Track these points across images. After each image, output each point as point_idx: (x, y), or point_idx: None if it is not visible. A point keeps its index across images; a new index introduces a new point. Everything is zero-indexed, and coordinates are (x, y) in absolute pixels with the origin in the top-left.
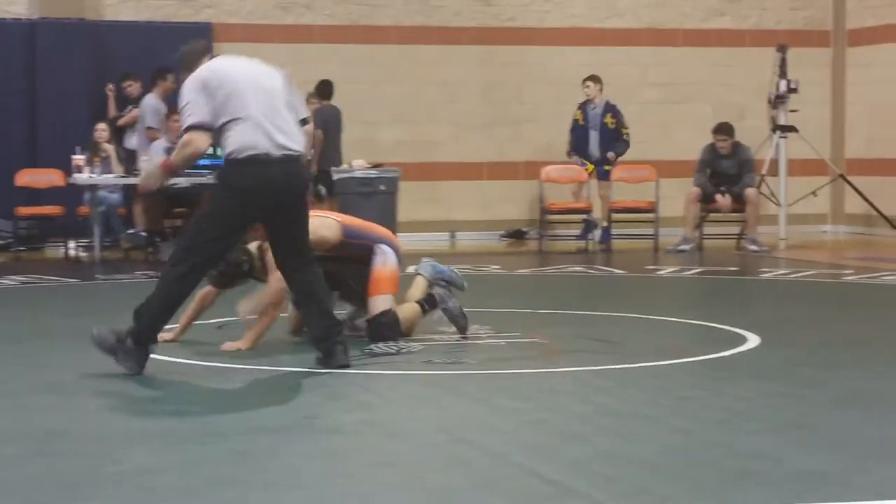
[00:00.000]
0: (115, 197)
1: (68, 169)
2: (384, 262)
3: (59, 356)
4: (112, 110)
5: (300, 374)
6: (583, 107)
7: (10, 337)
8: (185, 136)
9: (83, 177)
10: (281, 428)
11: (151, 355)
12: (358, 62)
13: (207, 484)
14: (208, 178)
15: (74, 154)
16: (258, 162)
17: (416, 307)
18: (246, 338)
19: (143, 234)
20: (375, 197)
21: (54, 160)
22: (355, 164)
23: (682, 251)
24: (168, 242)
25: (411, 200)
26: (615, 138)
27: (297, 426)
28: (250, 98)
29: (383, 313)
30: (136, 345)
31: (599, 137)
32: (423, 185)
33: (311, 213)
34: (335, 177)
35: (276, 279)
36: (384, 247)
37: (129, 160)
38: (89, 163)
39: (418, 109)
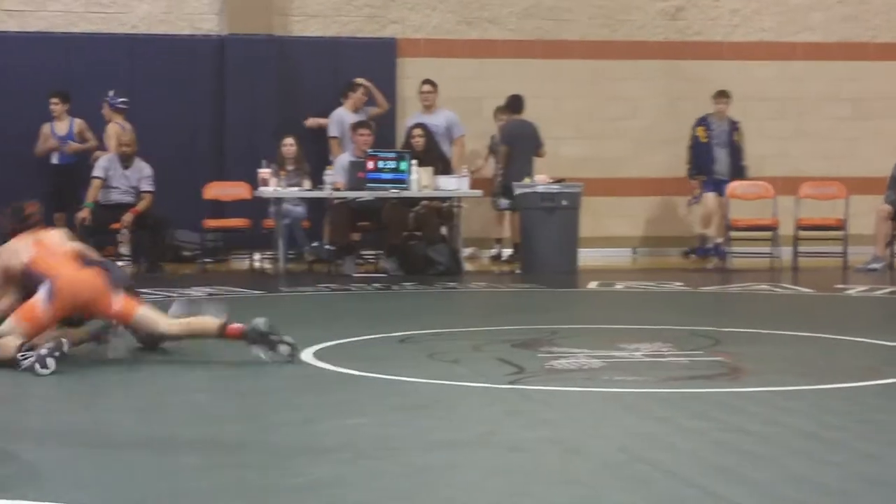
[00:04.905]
0: (300, 210)
1: (254, 182)
2: None
3: (240, 369)
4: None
5: (479, 390)
6: (705, 123)
7: (193, 348)
8: None
9: (269, 190)
10: (459, 443)
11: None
12: (542, 77)
13: (385, 498)
14: (391, 192)
15: (261, 167)
16: None
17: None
18: None
19: (327, 247)
20: (557, 212)
21: (241, 173)
22: (537, 178)
23: (873, 270)
24: (352, 256)
25: (594, 215)
26: (741, 157)
27: (476, 442)
28: None
29: None
30: None
31: (729, 155)
32: (606, 201)
33: None
34: (517, 191)
35: None
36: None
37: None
38: (275, 176)
39: (602, 124)
